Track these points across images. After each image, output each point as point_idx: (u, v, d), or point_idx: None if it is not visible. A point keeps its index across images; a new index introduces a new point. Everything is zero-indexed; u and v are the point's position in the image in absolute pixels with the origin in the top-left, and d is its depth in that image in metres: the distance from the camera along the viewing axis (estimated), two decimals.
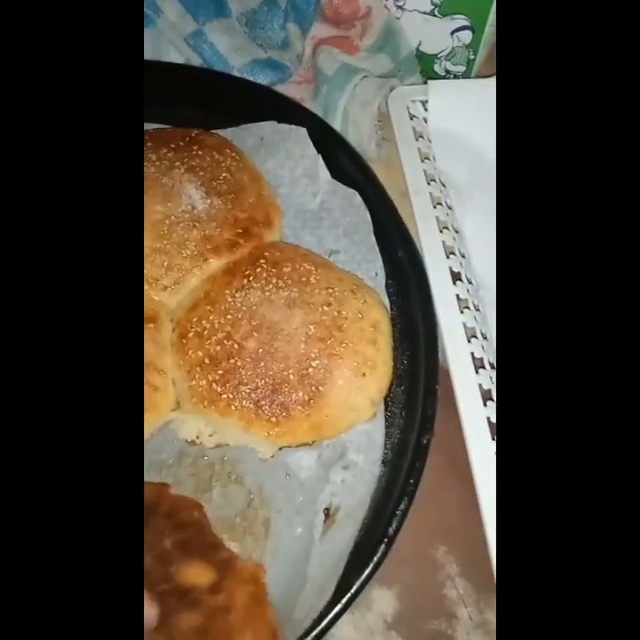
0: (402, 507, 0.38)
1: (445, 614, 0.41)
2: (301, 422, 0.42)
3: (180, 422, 0.44)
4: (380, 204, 0.47)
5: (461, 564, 0.42)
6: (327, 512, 0.41)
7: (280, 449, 0.43)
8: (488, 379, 0.42)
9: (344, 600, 0.35)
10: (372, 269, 0.48)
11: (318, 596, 0.37)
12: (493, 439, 0.39)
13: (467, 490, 0.38)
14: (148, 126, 0.54)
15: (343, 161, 0.49)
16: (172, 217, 0.46)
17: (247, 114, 0.53)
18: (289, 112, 0.51)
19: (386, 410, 0.44)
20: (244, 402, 0.42)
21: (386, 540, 0.37)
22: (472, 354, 0.43)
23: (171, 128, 0.53)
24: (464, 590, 0.41)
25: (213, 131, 0.53)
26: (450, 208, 0.51)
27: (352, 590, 0.35)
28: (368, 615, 0.40)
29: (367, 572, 0.36)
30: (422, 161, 0.50)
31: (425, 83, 0.55)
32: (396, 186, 0.49)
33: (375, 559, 0.36)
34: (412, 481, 0.39)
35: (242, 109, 0.53)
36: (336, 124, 0.52)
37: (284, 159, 0.52)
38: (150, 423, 0.43)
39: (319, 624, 0.35)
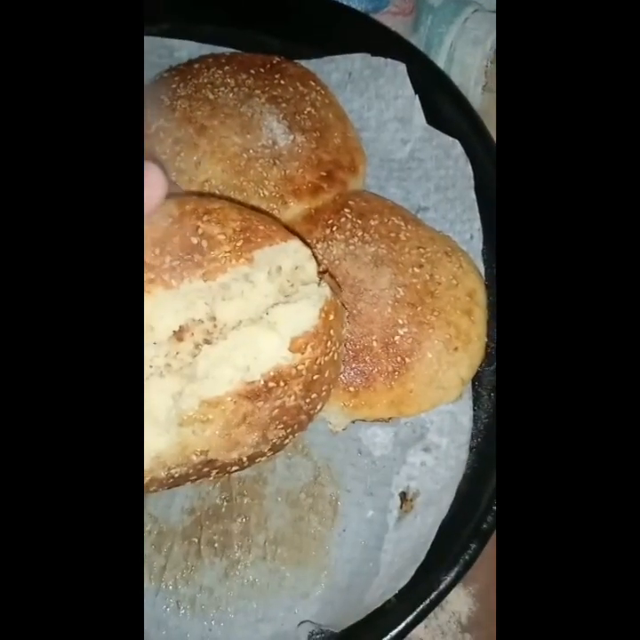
0: (496, 503, 0.34)
1: None
2: (382, 395, 0.38)
3: None
4: (486, 158, 0.42)
5: None
6: (404, 496, 0.37)
7: (353, 422, 0.39)
8: None
9: (431, 598, 0.32)
10: (467, 231, 0.43)
11: (394, 581, 0.34)
12: None
13: None
14: (220, 50, 0.48)
15: (445, 105, 0.44)
16: (251, 151, 0.41)
17: (335, 44, 0.47)
18: (385, 45, 0.45)
19: (472, 390, 0.40)
20: None
21: (479, 537, 0.33)
22: None
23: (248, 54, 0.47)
24: None
25: (295, 60, 0.47)
26: None
27: (440, 588, 0.31)
28: (441, 614, 0.36)
29: (457, 569, 0.32)
30: None
31: None
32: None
33: (467, 557, 0.32)
34: None
35: (329, 37, 0.47)
36: (439, 62, 0.46)
37: (373, 99, 0.46)
38: None
39: (399, 624, 0.31)
